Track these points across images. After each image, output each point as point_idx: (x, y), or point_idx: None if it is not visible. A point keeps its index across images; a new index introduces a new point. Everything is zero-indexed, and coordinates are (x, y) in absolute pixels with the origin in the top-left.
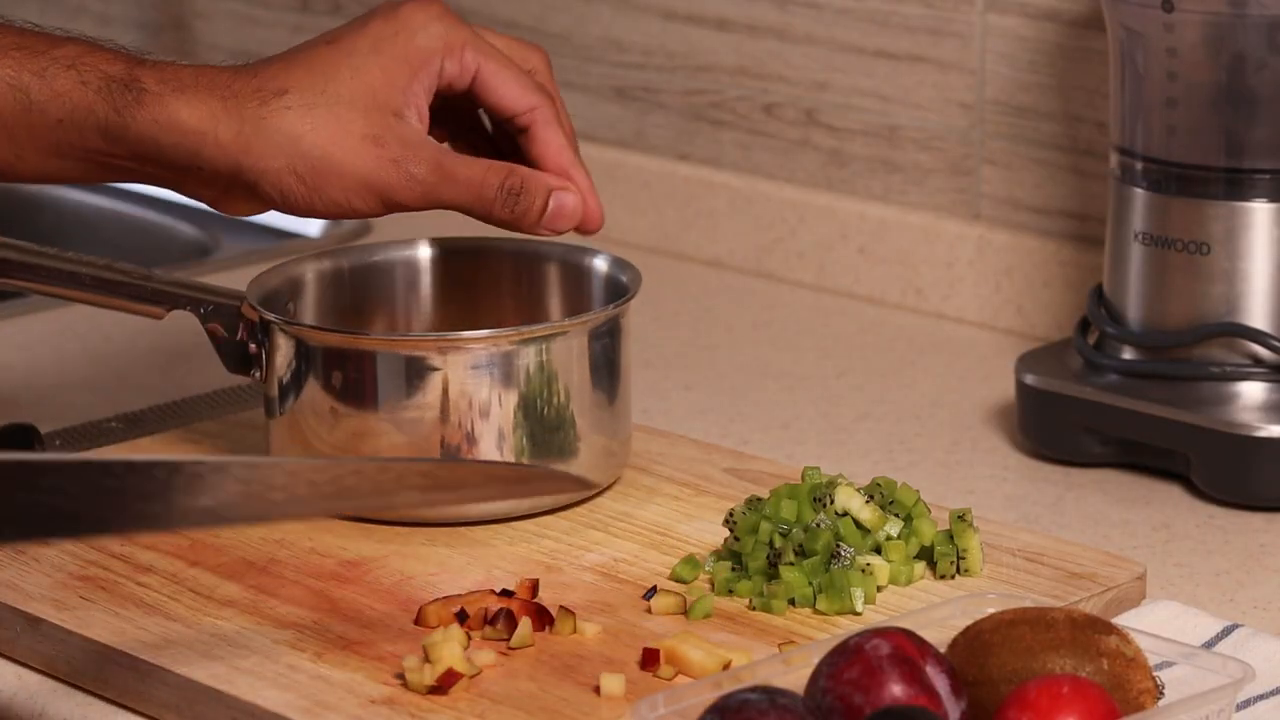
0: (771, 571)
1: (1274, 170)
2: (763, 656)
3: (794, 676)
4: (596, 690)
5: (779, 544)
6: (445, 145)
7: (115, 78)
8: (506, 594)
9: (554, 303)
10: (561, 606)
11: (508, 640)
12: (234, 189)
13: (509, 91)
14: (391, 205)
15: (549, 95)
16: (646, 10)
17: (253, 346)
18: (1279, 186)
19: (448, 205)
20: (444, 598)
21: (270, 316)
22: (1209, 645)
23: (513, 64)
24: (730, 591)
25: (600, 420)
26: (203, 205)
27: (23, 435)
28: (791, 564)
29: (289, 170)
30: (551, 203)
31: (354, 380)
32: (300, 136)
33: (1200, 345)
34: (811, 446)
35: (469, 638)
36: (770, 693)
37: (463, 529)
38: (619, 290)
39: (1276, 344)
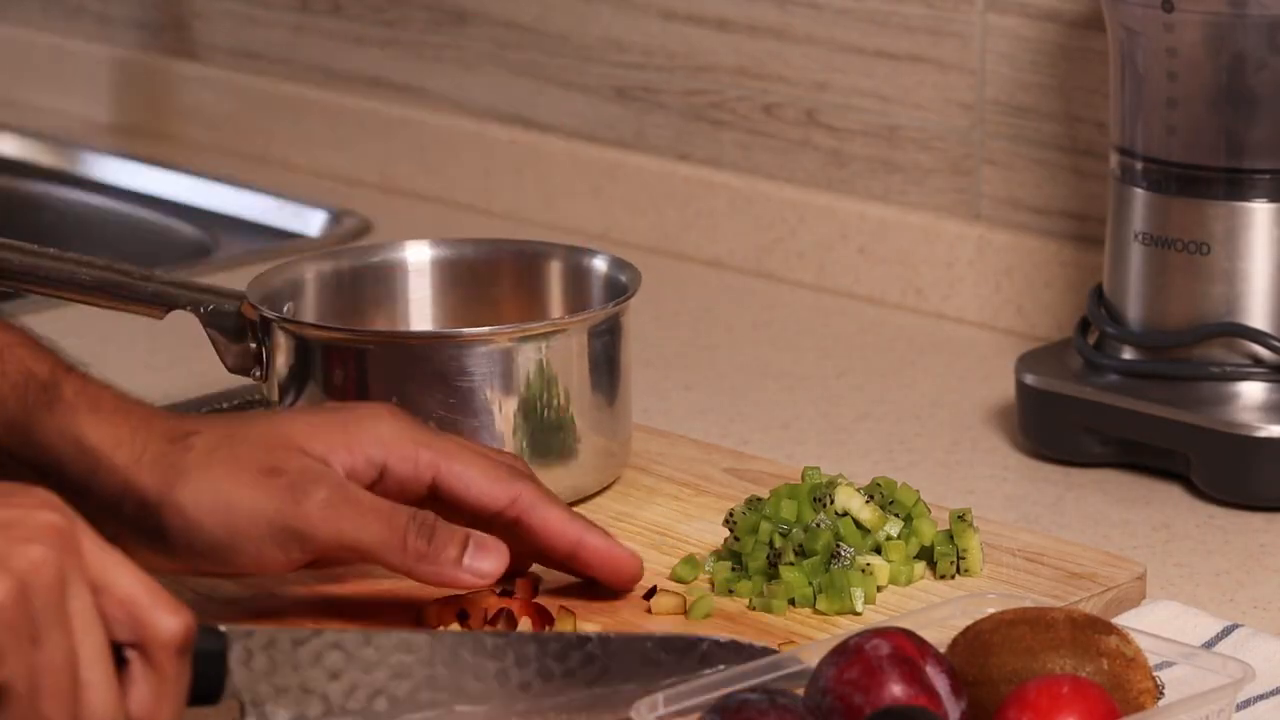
0: (771, 571)
1: (1274, 170)
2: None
3: (794, 676)
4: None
5: (779, 544)
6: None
7: (36, 376)
8: (507, 594)
9: (554, 303)
10: (561, 606)
11: None
12: (124, 522)
13: (479, 487)
14: (284, 537)
15: (532, 483)
16: (646, 10)
17: (253, 345)
18: (1279, 186)
19: (350, 541)
20: (444, 598)
21: (270, 314)
22: (1209, 645)
23: (483, 457)
24: (730, 591)
25: (600, 420)
26: (205, 205)
27: None
28: (791, 564)
29: (169, 502)
30: (471, 544)
31: (354, 378)
32: (190, 469)
33: (1200, 345)
34: (811, 446)
35: None
36: (770, 693)
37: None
38: (619, 290)
39: (1276, 344)
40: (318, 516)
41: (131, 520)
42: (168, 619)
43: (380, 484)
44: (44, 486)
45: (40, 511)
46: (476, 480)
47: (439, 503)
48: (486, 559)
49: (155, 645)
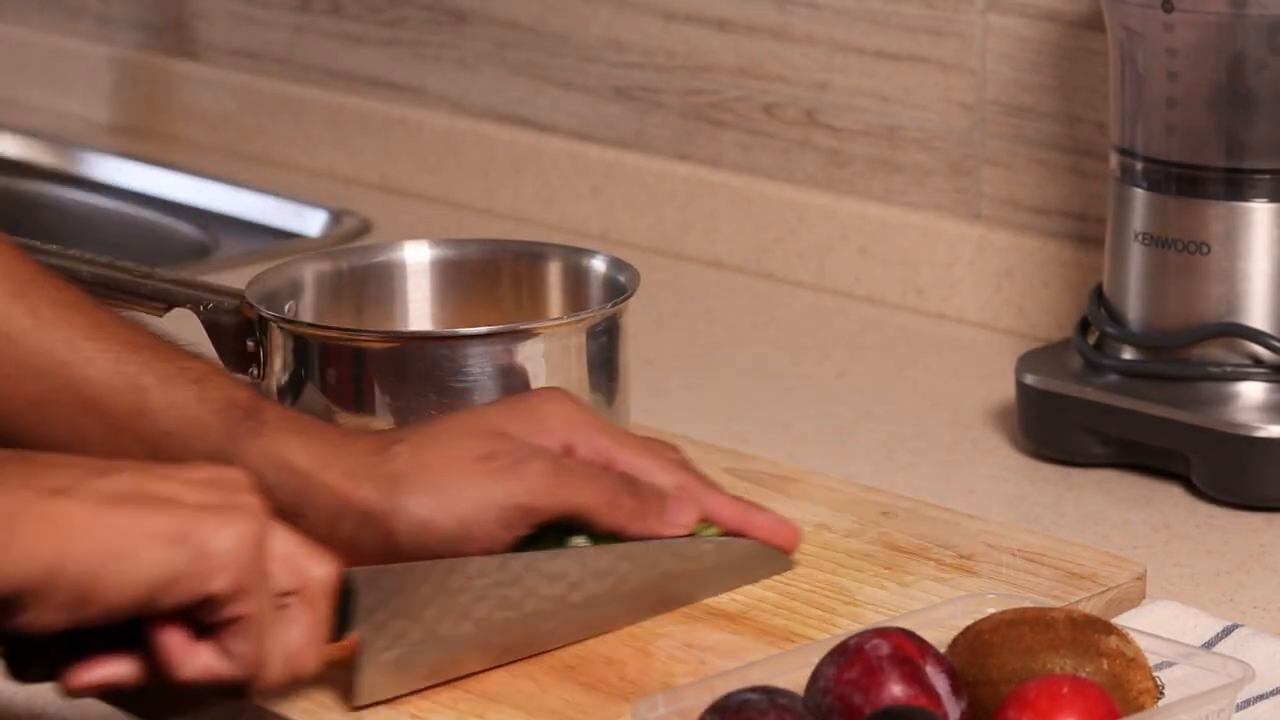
0: None
1: (1274, 170)
2: (763, 656)
3: (794, 676)
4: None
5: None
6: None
7: (239, 403)
8: None
9: (553, 303)
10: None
11: None
12: (338, 536)
13: (650, 477)
14: (512, 515)
15: (692, 472)
16: (646, 10)
17: (251, 345)
18: (1279, 186)
19: (572, 504)
20: None
21: (268, 314)
22: (1209, 645)
23: (650, 447)
24: None
25: None
26: (205, 205)
27: None
28: None
29: (394, 508)
30: (671, 501)
31: (351, 378)
32: (407, 474)
33: (1200, 345)
34: (811, 446)
35: None
36: (770, 693)
37: None
38: (618, 290)
39: (1276, 344)
40: (542, 488)
41: (350, 533)
42: (321, 567)
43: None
44: None
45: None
46: (650, 468)
47: None
48: (684, 512)
49: (312, 590)
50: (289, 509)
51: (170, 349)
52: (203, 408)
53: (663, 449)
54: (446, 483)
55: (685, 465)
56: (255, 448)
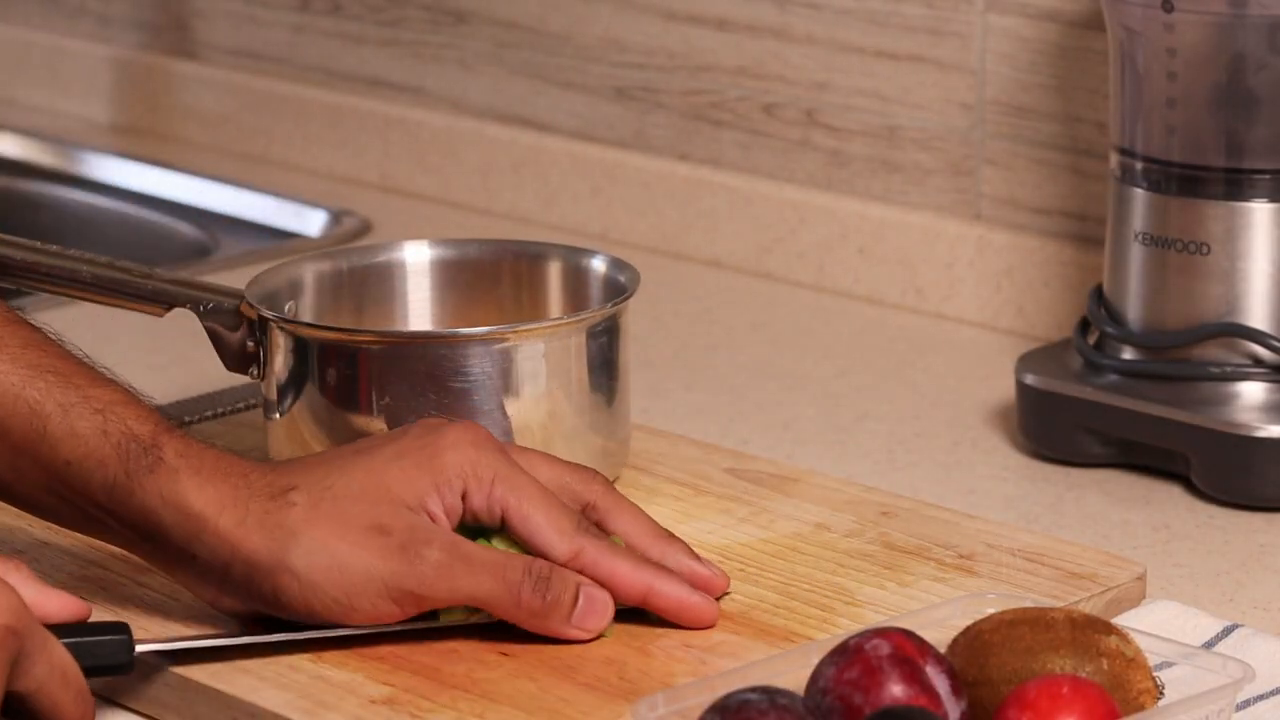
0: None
1: (1274, 170)
2: (762, 657)
3: (794, 676)
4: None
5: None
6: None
7: (138, 438)
8: None
9: (553, 303)
10: None
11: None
12: (227, 586)
13: (543, 537)
14: (401, 597)
15: (594, 534)
16: (646, 10)
17: (251, 345)
18: (1279, 186)
19: (466, 595)
20: None
21: (268, 314)
22: (1209, 645)
23: (551, 502)
24: None
25: (599, 420)
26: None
27: None
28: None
29: (282, 566)
30: (581, 596)
31: (351, 378)
32: (299, 530)
33: (1200, 345)
34: (812, 446)
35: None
36: (770, 693)
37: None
38: (617, 290)
39: (1276, 344)
40: (432, 576)
41: (240, 582)
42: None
43: (465, 512)
44: (146, 549)
45: None
46: (541, 529)
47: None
48: (593, 617)
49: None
50: (182, 551)
51: (80, 374)
52: (102, 441)
53: (578, 488)
54: (336, 549)
55: (588, 528)
56: (151, 486)
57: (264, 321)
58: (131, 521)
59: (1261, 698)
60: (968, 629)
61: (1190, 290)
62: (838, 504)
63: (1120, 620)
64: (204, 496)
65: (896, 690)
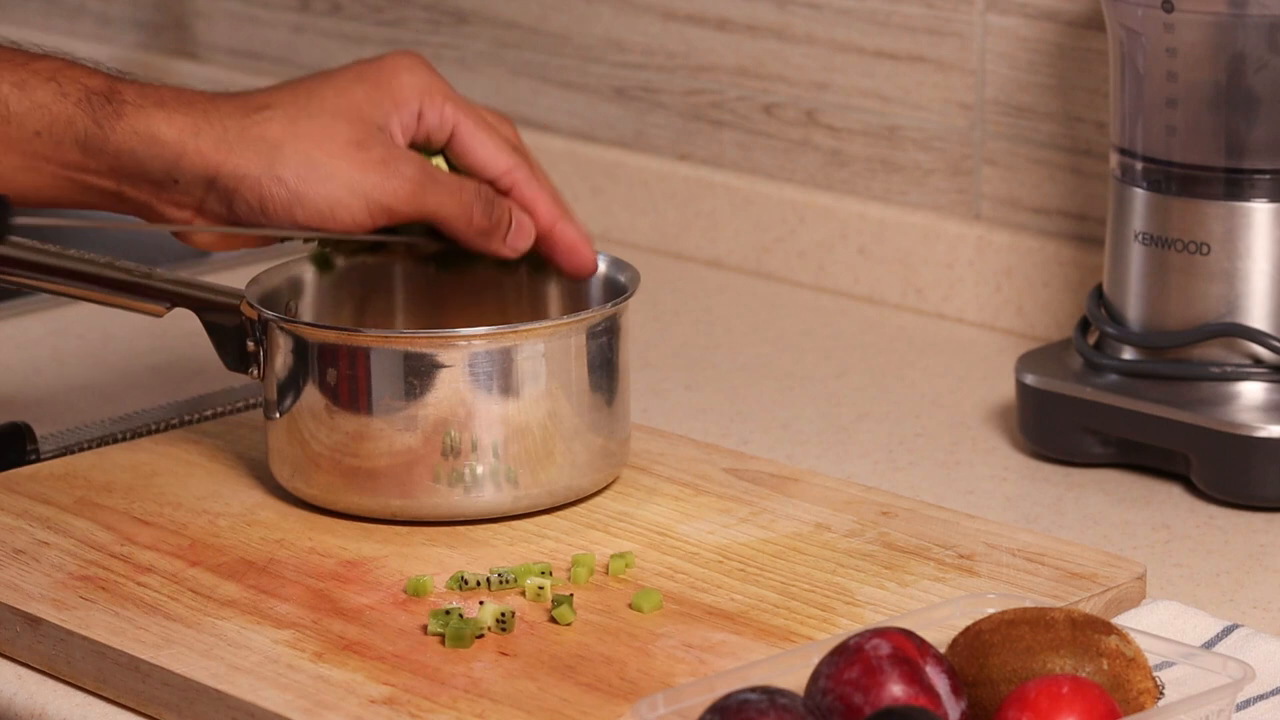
0: None
1: (1274, 170)
2: (762, 657)
3: (794, 676)
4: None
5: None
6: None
7: (96, 90)
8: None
9: (553, 303)
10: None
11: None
12: (208, 204)
13: (486, 152)
14: (376, 208)
15: (525, 155)
16: (646, 10)
17: (251, 344)
18: (1279, 186)
19: (430, 210)
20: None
21: (267, 314)
22: (1209, 645)
23: (488, 124)
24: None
25: (599, 420)
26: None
27: (15, 435)
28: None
29: (270, 175)
30: (514, 219)
31: (351, 378)
32: (283, 142)
33: (1200, 345)
34: (811, 446)
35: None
36: (770, 693)
37: (463, 529)
38: (617, 290)
39: (1276, 344)
40: (405, 192)
41: (224, 194)
42: None
43: (416, 131)
44: (127, 191)
45: None
46: (486, 145)
47: (450, 156)
48: (521, 238)
49: None
50: (161, 180)
51: (15, 54)
52: (63, 103)
53: (499, 123)
54: (320, 160)
55: (519, 145)
56: (122, 128)
57: (264, 321)
58: (109, 168)
59: (1261, 698)
60: (968, 629)
61: (1190, 290)
62: (838, 504)
63: (1120, 620)
64: (175, 125)
65: (896, 690)
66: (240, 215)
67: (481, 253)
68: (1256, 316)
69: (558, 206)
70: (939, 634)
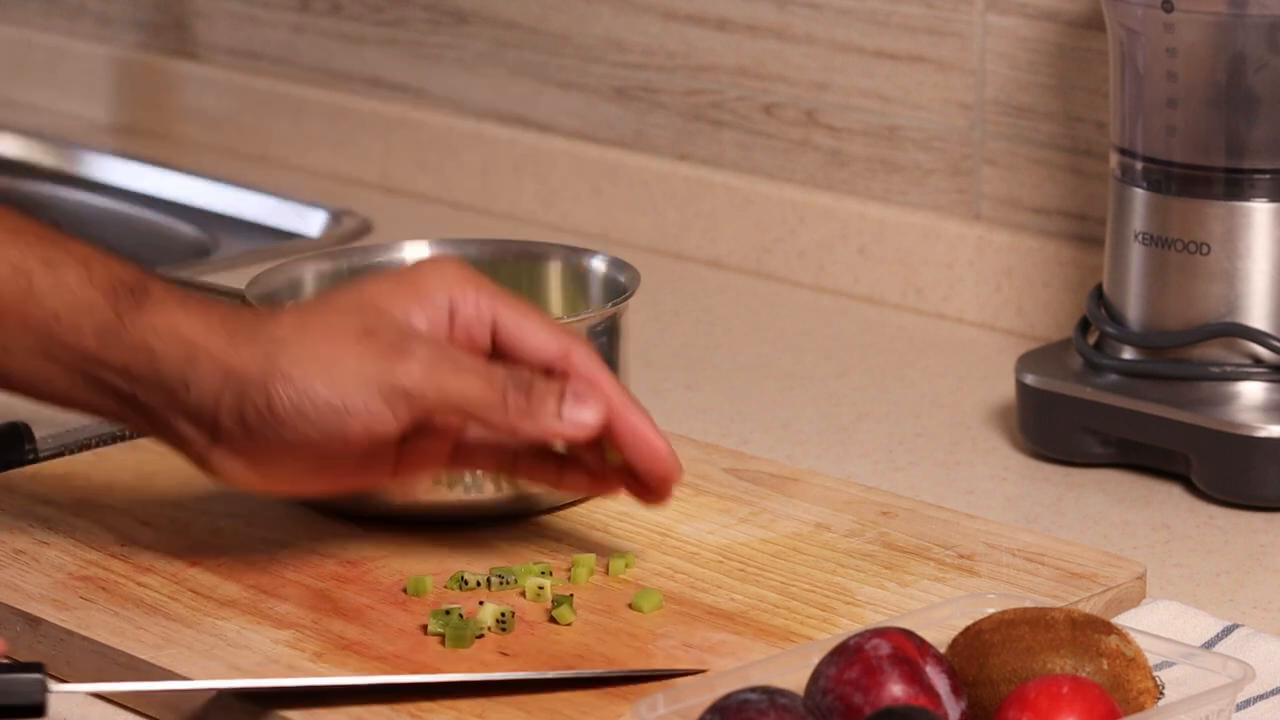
0: None
1: (1274, 170)
2: (762, 657)
3: (794, 676)
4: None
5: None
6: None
7: (124, 280)
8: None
9: (553, 303)
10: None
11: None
12: (221, 418)
13: (538, 339)
14: (391, 395)
15: (580, 339)
16: (646, 10)
17: None
18: (1279, 186)
19: (454, 393)
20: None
21: None
22: (1209, 645)
23: (535, 311)
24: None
25: None
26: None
27: (15, 435)
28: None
29: (276, 373)
30: (569, 395)
31: None
32: (288, 339)
33: (1200, 345)
34: (811, 446)
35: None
36: (770, 693)
37: (463, 529)
38: (617, 290)
39: (1276, 344)
40: (420, 374)
41: (233, 404)
42: None
43: (452, 330)
44: (139, 394)
45: None
46: (534, 328)
47: (498, 353)
48: (585, 410)
49: None
50: (173, 385)
51: (53, 234)
52: (89, 289)
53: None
54: (325, 353)
55: (570, 332)
56: (142, 321)
57: None
58: (123, 364)
59: (1261, 698)
60: (968, 629)
61: (1190, 290)
62: (838, 504)
63: (1120, 620)
64: (193, 322)
65: (896, 690)
66: (252, 424)
67: (532, 441)
68: (1256, 316)
69: (623, 392)
70: (939, 634)
